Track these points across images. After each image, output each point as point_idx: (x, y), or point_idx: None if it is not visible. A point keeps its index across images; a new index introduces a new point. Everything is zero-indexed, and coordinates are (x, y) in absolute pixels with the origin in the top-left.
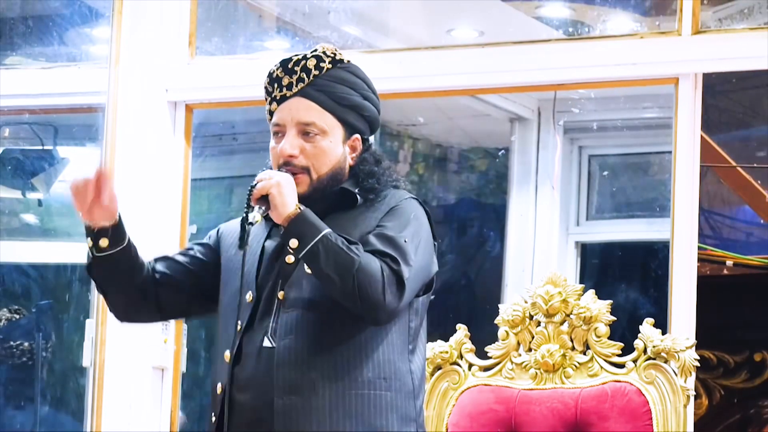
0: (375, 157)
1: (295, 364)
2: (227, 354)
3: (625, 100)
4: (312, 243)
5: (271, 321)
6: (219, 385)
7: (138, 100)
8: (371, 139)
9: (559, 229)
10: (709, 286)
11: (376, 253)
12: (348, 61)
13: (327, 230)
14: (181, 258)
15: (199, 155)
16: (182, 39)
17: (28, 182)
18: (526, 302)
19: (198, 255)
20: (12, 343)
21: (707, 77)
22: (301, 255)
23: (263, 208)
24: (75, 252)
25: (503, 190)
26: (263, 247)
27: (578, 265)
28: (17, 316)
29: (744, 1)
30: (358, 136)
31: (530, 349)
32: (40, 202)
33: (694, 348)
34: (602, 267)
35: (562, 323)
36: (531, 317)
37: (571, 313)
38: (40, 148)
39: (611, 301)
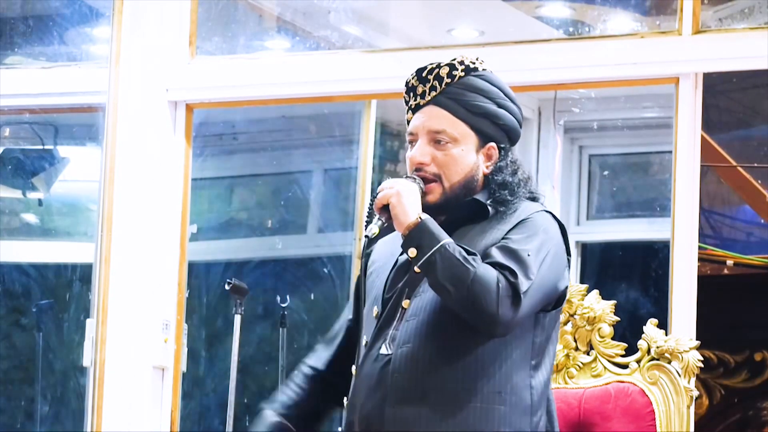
0: (512, 167)
1: (409, 373)
2: (354, 368)
3: (626, 100)
4: (429, 253)
5: (392, 329)
6: (346, 399)
7: (138, 100)
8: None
9: None
10: (709, 286)
11: (495, 265)
12: (484, 69)
13: (446, 240)
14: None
15: (199, 155)
16: (183, 39)
17: (29, 182)
18: None
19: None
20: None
21: (708, 77)
22: (418, 264)
23: (382, 219)
24: (75, 251)
25: None
26: (397, 259)
27: (578, 264)
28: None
29: (744, 1)
30: (493, 144)
31: None
32: (40, 202)
33: (697, 349)
34: (603, 267)
35: (565, 323)
36: None
37: (575, 314)
38: (41, 147)
39: (615, 302)
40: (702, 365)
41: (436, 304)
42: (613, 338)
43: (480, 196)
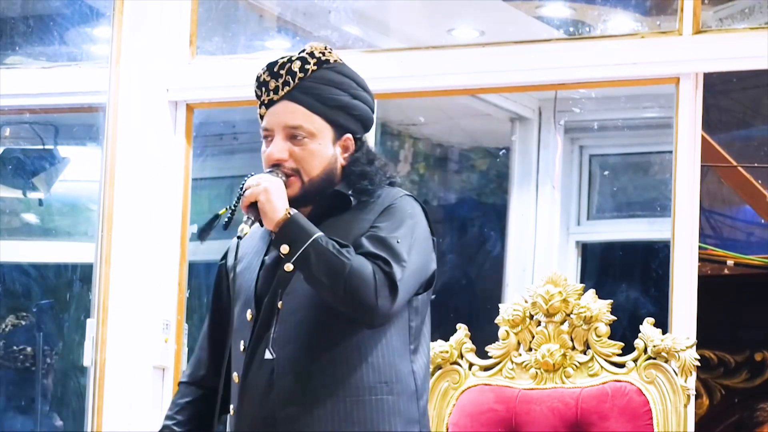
0: (368, 157)
1: (295, 374)
2: (236, 375)
3: (626, 100)
4: (303, 248)
5: (272, 332)
6: (232, 407)
7: (139, 100)
8: (366, 137)
9: (560, 228)
10: (709, 286)
11: (368, 255)
12: (335, 61)
13: (317, 234)
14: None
15: (199, 155)
16: (183, 38)
17: (29, 182)
18: (526, 302)
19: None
20: (15, 347)
21: (708, 77)
22: (292, 260)
23: (251, 218)
24: (75, 251)
25: (504, 190)
26: (263, 261)
27: (579, 264)
28: (23, 322)
29: (744, 1)
30: (349, 135)
31: (530, 349)
32: (40, 202)
33: (694, 347)
34: (603, 267)
35: (562, 323)
36: (531, 317)
37: (572, 313)
38: (41, 147)
39: (611, 301)
40: (699, 364)
41: (310, 300)
42: (613, 338)
43: (341, 187)
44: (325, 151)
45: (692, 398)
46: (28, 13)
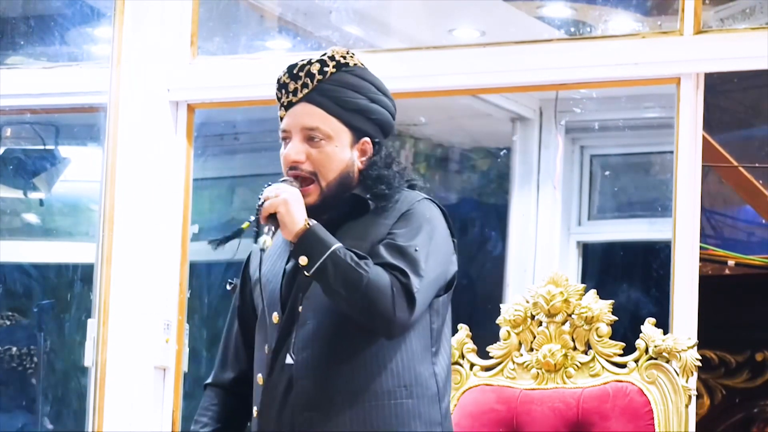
0: (386, 161)
1: (313, 378)
2: (260, 377)
3: (627, 100)
4: (321, 260)
5: (292, 337)
6: (255, 409)
7: (140, 100)
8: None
9: (561, 228)
10: (710, 286)
11: (385, 266)
12: (355, 65)
13: (336, 246)
14: (238, 350)
15: (200, 155)
16: (184, 39)
17: (30, 182)
18: (527, 302)
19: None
20: (12, 347)
21: (709, 77)
22: (310, 272)
23: (272, 229)
24: (76, 252)
25: (505, 190)
26: (286, 264)
27: (580, 264)
28: (8, 322)
29: (745, 1)
30: (367, 139)
31: (532, 349)
32: (41, 202)
33: (695, 348)
34: (604, 267)
35: (563, 323)
36: (533, 317)
37: (573, 313)
38: (42, 147)
39: (612, 301)
40: (700, 364)
41: (329, 306)
42: (614, 338)
43: (358, 192)
44: (341, 154)
45: (693, 398)
46: (29, 13)
